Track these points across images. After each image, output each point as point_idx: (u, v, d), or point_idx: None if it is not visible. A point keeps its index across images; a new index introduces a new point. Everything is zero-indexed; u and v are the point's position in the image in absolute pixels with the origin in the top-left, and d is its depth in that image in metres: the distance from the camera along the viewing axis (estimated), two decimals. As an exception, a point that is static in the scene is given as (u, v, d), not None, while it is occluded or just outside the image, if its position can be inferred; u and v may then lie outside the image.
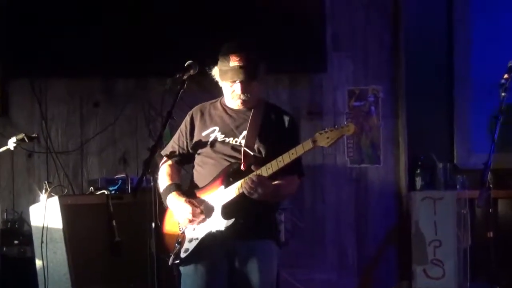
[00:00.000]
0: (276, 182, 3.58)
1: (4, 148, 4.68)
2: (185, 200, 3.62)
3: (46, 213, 4.56)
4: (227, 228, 3.53)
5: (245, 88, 3.66)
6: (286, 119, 3.77)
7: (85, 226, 4.59)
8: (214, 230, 3.57)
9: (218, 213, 3.58)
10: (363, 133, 6.05)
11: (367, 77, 6.14)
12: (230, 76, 3.64)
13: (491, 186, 4.03)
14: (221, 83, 3.74)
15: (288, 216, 5.66)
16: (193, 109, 3.88)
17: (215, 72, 3.73)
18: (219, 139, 3.70)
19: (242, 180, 3.53)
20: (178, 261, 3.62)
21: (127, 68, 5.71)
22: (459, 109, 6.29)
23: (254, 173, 3.53)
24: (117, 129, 5.93)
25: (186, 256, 3.61)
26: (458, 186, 5.91)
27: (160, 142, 3.64)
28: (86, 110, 5.93)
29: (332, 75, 6.10)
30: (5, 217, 5.42)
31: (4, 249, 5.13)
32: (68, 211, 4.55)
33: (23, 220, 5.40)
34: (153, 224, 3.40)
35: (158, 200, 3.49)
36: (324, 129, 3.49)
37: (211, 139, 3.72)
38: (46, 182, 4.74)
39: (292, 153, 3.49)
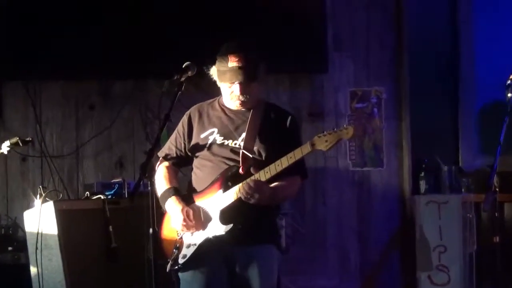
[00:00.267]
0: (276, 184, 3.57)
1: (-3, 152, 4.68)
2: (181, 210, 3.62)
3: (40, 219, 4.55)
4: (226, 233, 3.53)
5: (244, 89, 3.65)
6: (287, 118, 3.76)
7: (80, 232, 4.58)
8: (212, 235, 3.57)
9: (217, 218, 3.57)
10: (366, 135, 6.04)
11: (369, 78, 6.14)
12: (229, 77, 3.63)
13: (497, 189, 4.02)
14: (220, 84, 3.73)
15: (289, 221, 5.66)
16: (191, 109, 3.87)
17: (213, 72, 3.72)
18: (218, 142, 3.70)
19: (240, 185, 3.52)
20: (176, 267, 3.62)
21: (124, 69, 5.70)
22: (464, 111, 6.29)
23: (252, 177, 3.52)
24: (113, 132, 5.93)
25: (184, 262, 3.61)
26: (463, 190, 5.91)
27: (158, 146, 3.64)
28: (82, 113, 5.92)
29: (333, 76, 6.10)
30: (-2, 222, 5.43)
31: (-2, 255, 5.14)
32: (63, 217, 4.55)
33: (17, 225, 5.38)
34: (150, 230, 3.40)
35: (156, 204, 3.48)
36: (323, 132, 3.49)
37: (209, 142, 3.71)
38: (40, 186, 4.74)
39: (291, 157, 3.48)
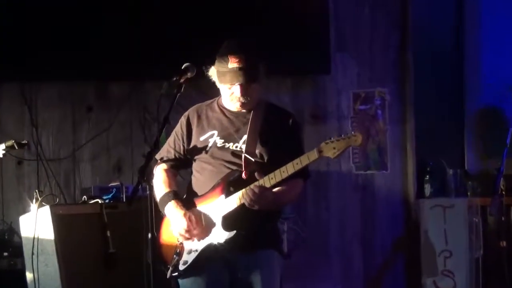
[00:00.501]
0: (279, 189, 3.57)
1: (-8, 156, 4.68)
2: (184, 214, 3.60)
3: (37, 224, 4.54)
4: (228, 240, 3.53)
5: (245, 90, 3.64)
6: (288, 119, 3.76)
7: (78, 237, 4.58)
8: (214, 242, 3.56)
9: (219, 224, 3.57)
10: (370, 138, 6.04)
11: (373, 79, 6.14)
12: (229, 78, 3.62)
13: (503, 192, 4.02)
14: (219, 85, 3.72)
15: (290, 226, 5.65)
16: (189, 111, 3.86)
17: (212, 73, 3.71)
18: (218, 144, 3.69)
19: (244, 190, 3.52)
20: (176, 273, 3.61)
21: (122, 70, 5.70)
22: (469, 113, 6.29)
23: (256, 183, 3.52)
24: (111, 135, 5.93)
25: (185, 269, 3.60)
26: (469, 193, 5.91)
27: (157, 148, 3.63)
28: (79, 115, 5.92)
29: (336, 77, 6.10)
30: (-6, 227, 5.43)
31: (-7, 261, 5.14)
32: (60, 221, 4.54)
33: (13, 231, 5.38)
34: (149, 234, 3.39)
35: (155, 209, 3.48)
36: (330, 138, 3.48)
37: (209, 144, 3.71)
38: (36, 191, 4.74)
39: (297, 163, 3.48)
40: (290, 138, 3.71)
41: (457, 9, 6.31)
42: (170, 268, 3.60)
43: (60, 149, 5.90)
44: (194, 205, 3.67)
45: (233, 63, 3.60)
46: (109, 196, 4.92)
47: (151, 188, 3.54)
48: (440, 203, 5.76)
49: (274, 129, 3.70)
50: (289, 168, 3.48)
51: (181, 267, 3.60)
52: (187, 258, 3.61)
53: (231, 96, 3.69)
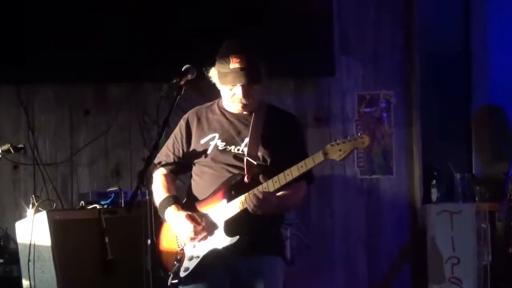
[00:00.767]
0: (283, 193, 3.56)
1: (-13, 160, 4.68)
2: (186, 216, 3.59)
3: (33, 229, 4.54)
4: (231, 245, 3.51)
5: (247, 92, 3.64)
6: (290, 120, 3.77)
7: (75, 243, 4.57)
8: (216, 247, 3.55)
9: (221, 229, 3.56)
10: (375, 141, 6.04)
11: (378, 81, 6.14)
12: (231, 79, 3.61)
13: (512, 197, 4.02)
14: (220, 86, 3.72)
15: (294, 232, 5.65)
16: (188, 113, 3.86)
17: (213, 74, 3.70)
18: (219, 147, 3.68)
19: (246, 194, 3.51)
20: (177, 280, 3.60)
21: (120, 72, 5.69)
22: (477, 115, 6.28)
23: (259, 187, 3.51)
24: (109, 139, 5.92)
25: (186, 275, 3.59)
26: (477, 198, 5.90)
27: (156, 152, 3.63)
28: (76, 118, 5.92)
29: (341, 79, 6.10)
30: (-11, 234, 5.42)
31: (-11, 268, 5.13)
32: (57, 227, 4.54)
33: (9, 237, 5.38)
34: (148, 241, 3.38)
35: (154, 214, 3.47)
36: (336, 140, 3.46)
37: (210, 147, 3.70)
38: (33, 196, 4.73)
39: (302, 166, 3.46)
40: (293, 140, 3.70)
41: (463, 10, 6.31)
42: (171, 275, 3.60)
43: (57, 153, 5.89)
44: (196, 210, 3.66)
45: (234, 64, 3.59)
46: (108, 201, 4.92)
47: (150, 193, 3.53)
48: (447, 209, 5.76)
49: (276, 131, 3.70)
50: (294, 171, 3.47)
51: (182, 273, 3.59)
52: (188, 264, 3.60)
53: (232, 97, 3.68)
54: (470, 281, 5.63)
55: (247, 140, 3.65)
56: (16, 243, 4.91)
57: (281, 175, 3.48)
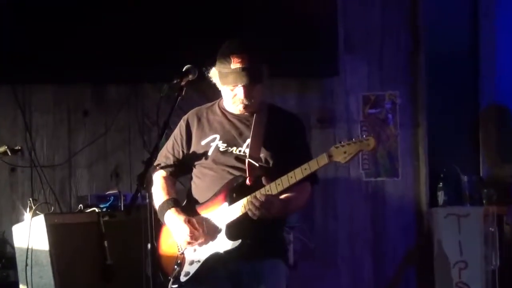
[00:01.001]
0: (286, 195, 3.55)
1: (-16, 162, 4.68)
2: (184, 220, 3.59)
3: (30, 233, 4.54)
4: (233, 249, 3.51)
5: (249, 92, 3.63)
6: (292, 121, 3.76)
7: (73, 248, 4.57)
8: (218, 252, 3.54)
9: (223, 233, 3.55)
10: (380, 143, 6.02)
11: (383, 82, 6.13)
12: (232, 79, 3.61)
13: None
14: (221, 87, 3.71)
15: (297, 236, 5.64)
16: (188, 114, 3.86)
17: (214, 74, 3.70)
18: (221, 149, 3.68)
19: (249, 197, 3.50)
20: (177, 285, 3.60)
21: (120, 72, 5.69)
22: (484, 117, 6.27)
23: (262, 190, 3.50)
24: (108, 140, 5.92)
25: (187, 280, 3.59)
26: (484, 201, 5.89)
27: (156, 154, 3.62)
28: (75, 119, 5.91)
29: (345, 79, 6.09)
30: (-15, 238, 5.42)
31: (-15, 273, 5.13)
32: (55, 231, 4.54)
33: (6, 241, 5.37)
34: (148, 245, 3.38)
35: (154, 218, 3.46)
36: (340, 142, 3.45)
37: (211, 149, 3.69)
38: (30, 199, 4.75)
39: (305, 168, 3.46)
40: (296, 141, 3.70)
41: (471, 9, 6.31)
42: (171, 279, 3.59)
43: (55, 155, 5.89)
44: (196, 213, 3.65)
45: (235, 64, 3.58)
46: (107, 204, 4.91)
47: (150, 196, 3.52)
48: (455, 212, 5.75)
49: (279, 132, 3.69)
50: (297, 174, 3.46)
51: (183, 278, 3.59)
52: (189, 269, 3.60)
53: (233, 98, 3.67)
54: (478, 286, 5.62)
55: (248, 141, 3.64)
56: (13, 248, 4.90)
57: (284, 178, 3.47)
